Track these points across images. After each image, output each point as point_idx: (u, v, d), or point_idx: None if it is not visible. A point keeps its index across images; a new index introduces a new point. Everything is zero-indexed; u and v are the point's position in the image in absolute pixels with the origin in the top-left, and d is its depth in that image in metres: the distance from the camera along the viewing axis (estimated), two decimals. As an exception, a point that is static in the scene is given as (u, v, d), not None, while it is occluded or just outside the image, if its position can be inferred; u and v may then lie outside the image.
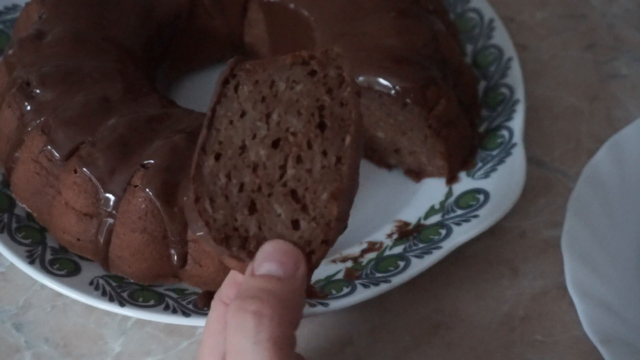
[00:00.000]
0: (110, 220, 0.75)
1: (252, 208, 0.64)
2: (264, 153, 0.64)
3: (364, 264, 0.79)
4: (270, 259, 0.62)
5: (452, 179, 0.83)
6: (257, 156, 0.64)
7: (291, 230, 0.63)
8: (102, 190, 0.75)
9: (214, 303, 0.66)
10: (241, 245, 0.63)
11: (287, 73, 0.66)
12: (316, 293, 0.75)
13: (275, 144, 0.65)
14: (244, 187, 0.64)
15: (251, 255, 0.63)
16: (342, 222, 0.64)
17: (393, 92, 0.79)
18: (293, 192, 0.64)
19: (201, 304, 0.75)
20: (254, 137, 0.65)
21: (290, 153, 0.64)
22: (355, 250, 0.80)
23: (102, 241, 0.76)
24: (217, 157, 0.64)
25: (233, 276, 0.67)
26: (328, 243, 0.63)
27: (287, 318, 0.60)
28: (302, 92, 0.65)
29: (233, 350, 0.60)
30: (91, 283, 0.76)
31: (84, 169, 0.75)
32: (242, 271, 0.64)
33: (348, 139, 0.64)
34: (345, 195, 0.64)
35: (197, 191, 0.64)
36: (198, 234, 0.64)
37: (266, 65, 0.66)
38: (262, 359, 0.59)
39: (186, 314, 0.75)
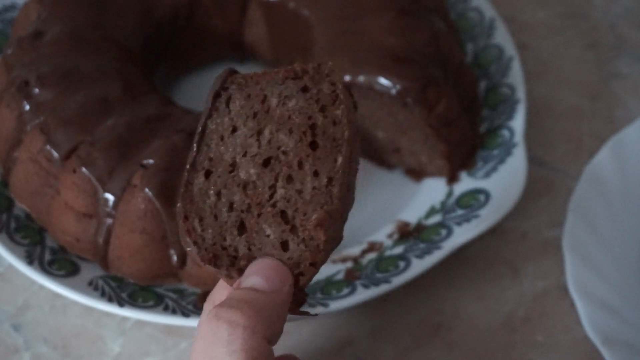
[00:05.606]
0: (110, 221, 0.75)
1: (242, 228, 0.63)
2: (254, 172, 0.63)
3: (364, 264, 0.78)
4: (257, 274, 0.61)
5: (452, 179, 0.83)
6: (248, 175, 0.63)
7: (280, 251, 0.62)
8: (101, 190, 0.75)
9: (206, 306, 0.66)
10: (230, 264, 0.62)
11: (280, 88, 0.64)
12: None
13: (266, 163, 0.63)
14: (233, 207, 0.63)
15: (241, 272, 0.62)
16: (332, 243, 0.63)
17: (393, 91, 0.79)
18: (283, 213, 0.62)
19: (200, 305, 0.75)
20: (245, 154, 0.63)
21: (281, 172, 0.63)
22: (356, 250, 0.80)
23: (101, 241, 0.76)
24: (207, 174, 0.63)
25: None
26: (316, 266, 0.62)
27: (261, 329, 0.59)
28: (295, 109, 0.63)
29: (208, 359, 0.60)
30: (90, 283, 0.76)
31: (83, 168, 0.75)
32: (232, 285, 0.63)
33: (339, 160, 0.62)
34: (336, 217, 0.62)
35: (185, 209, 0.63)
36: (187, 249, 0.63)
37: (258, 78, 0.65)
38: None
39: (185, 314, 0.75)
